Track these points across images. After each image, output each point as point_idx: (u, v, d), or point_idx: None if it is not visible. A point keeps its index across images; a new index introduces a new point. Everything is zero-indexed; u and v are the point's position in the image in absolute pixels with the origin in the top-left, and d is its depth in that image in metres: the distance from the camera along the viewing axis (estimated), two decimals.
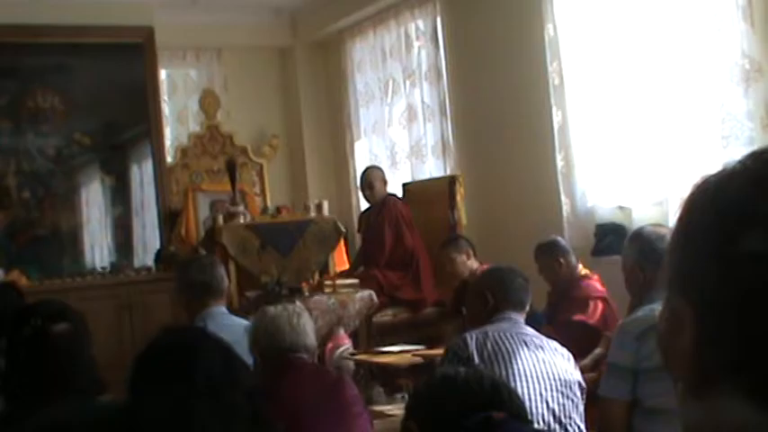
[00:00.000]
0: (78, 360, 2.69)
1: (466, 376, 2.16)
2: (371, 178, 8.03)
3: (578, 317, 5.55)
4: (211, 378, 1.99)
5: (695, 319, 0.87)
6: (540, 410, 3.59)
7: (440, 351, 5.52)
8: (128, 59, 8.88)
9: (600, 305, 5.60)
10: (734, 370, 0.84)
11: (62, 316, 2.74)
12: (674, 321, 0.90)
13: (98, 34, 8.70)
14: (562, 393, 3.67)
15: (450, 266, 6.65)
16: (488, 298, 3.93)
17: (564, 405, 3.65)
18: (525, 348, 3.70)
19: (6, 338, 2.74)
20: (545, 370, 3.67)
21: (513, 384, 3.54)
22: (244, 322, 4.48)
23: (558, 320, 5.53)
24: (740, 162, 0.89)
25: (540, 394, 3.62)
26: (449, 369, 2.25)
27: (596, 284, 5.74)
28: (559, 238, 6.07)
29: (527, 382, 3.61)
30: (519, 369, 3.62)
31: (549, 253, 5.86)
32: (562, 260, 5.81)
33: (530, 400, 3.56)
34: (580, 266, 5.87)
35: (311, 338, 3.73)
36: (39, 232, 8.54)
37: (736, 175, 0.88)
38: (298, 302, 4.41)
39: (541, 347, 3.76)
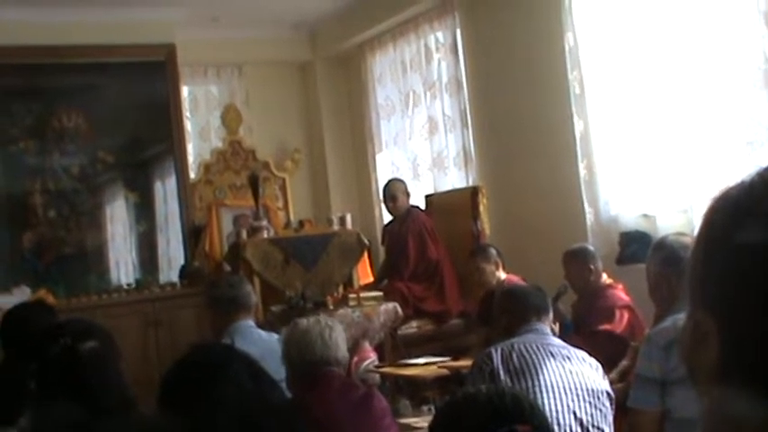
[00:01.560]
0: (107, 377, 2.71)
1: (487, 392, 2.17)
2: (394, 191, 8.03)
3: (605, 326, 5.53)
4: (240, 395, 2.00)
5: (720, 332, 0.87)
6: (568, 421, 3.58)
7: (465, 362, 5.53)
8: (150, 77, 8.94)
9: (626, 314, 5.58)
10: (756, 373, 0.84)
11: (90, 334, 2.75)
12: (699, 335, 0.90)
13: (120, 53, 8.76)
14: (590, 404, 3.66)
15: (478, 276, 6.64)
16: (510, 311, 3.94)
17: (592, 415, 3.63)
18: (552, 359, 3.68)
19: (36, 358, 2.76)
20: (573, 380, 3.66)
21: (540, 396, 3.54)
22: (273, 336, 4.52)
23: (585, 330, 5.52)
24: (759, 174, 0.89)
25: (568, 405, 3.60)
26: (469, 387, 2.26)
27: (621, 293, 5.72)
28: (589, 245, 6.05)
29: (554, 393, 3.59)
30: (546, 381, 3.60)
31: (579, 259, 5.83)
32: (592, 267, 5.78)
33: (558, 411, 3.55)
34: (604, 276, 5.85)
35: (343, 351, 3.72)
36: (65, 250, 8.60)
37: (755, 188, 0.88)
38: (323, 315, 4.40)
39: (569, 358, 3.75)
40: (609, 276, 5.95)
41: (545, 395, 3.55)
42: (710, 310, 0.88)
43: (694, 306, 0.91)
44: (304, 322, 3.78)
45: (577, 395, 3.64)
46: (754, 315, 0.84)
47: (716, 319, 0.88)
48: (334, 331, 3.72)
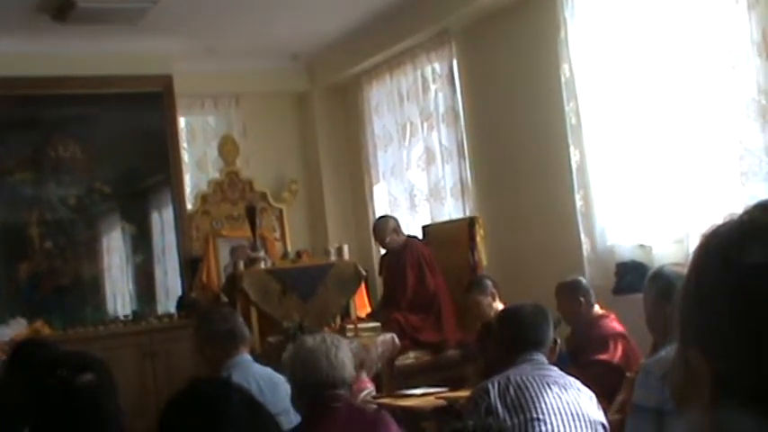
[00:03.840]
0: (104, 410, 2.70)
1: (473, 427, 2.18)
2: (381, 234, 7.98)
3: (600, 356, 5.55)
4: (238, 430, 2.00)
5: (711, 370, 0.88)
6: None
7: (463, 393, 5.52)
8: (147, 108, 8.98)
9: (620, 343, 5.61)
10: (762, 411, 0.84)
11: (87, 366, 2.74)
12: (691, 374, 0.90)
13: (117, 84, 8.80)
14: None
15: (476, 309, 6.65)
16: (506, 342, 3.92)
17: None
18: (549, 391, 3.67)
19: (32, 390, 2.75)
20: (571, 411, 3.65)
21: (541, 428, 3.53)
22: (268, 370, 4.50)
23: (580, 361, 5.51)
24: (747, 213, 0.90)
25: None
26: (457, 423, 2.26)
27: (614, 323, 5.76)
28: (581, 278, 6.07)
29: (553, 425, 3.59)
30: (545, 413, 3.59)
31: (567, 292, 5.87)
32: (582, 299, 5.82)
33: None
34: (597, 307, 5.87)
35: (349, 371, 3.63)
36: (61, 281, 8.60)
37: (744, 227, 0.89)
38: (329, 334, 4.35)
39: (565, 387, 3.74)
40: (603, 306, 5.97)
41: (544, 427, 3.54)
42: (702, 349, 0.89)
43: (684, 344, 0.92)
44: (310, 341, 3.71)
45: (577, 425, 3.63)
46: (746, 354, 0.85)
47: (707, 357, 0.88)
48: (341, 350, 3.65)
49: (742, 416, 0.85)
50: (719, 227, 0.91)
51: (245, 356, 4.65)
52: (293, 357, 3.70)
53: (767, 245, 0.85)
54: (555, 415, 3.60)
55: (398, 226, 8.08)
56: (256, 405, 2.13)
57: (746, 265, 0.86)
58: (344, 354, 3.66)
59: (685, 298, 0.93)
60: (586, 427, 3.65)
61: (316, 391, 3.56)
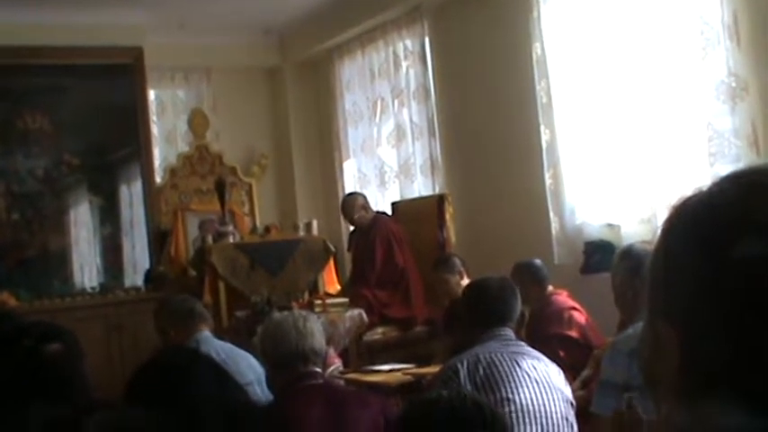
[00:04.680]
0: (72, 379, 2.69)
1: (449, 398, 2.17)
2: (349, 212, 8.01)
3: (555, 329, 5.59)
4: (205, 397, 2.00)
5: (681, 340, 0.88)
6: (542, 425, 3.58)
7: (430, 370, 5.54)
8: (117, 80, 8.90)
9: (573, 314, 5.65)
10: (731, 381, 0.85)
11: (54, 336, 2.73)
12: (658, 344, 0.90)
13: (87, 55, 8.72)
14: (564, 407, 3.66)
15: (443, 287, 6.65)
16: (472, 317, 3.92)
17: (560, 425, 3.63)
18: (518, 367, 3.66)
19: None
20: (543, 383, 3.65)
21: (510, 407, 3.53)
22: (231, 346, 4.53)
23: (538, 338, 5.53)
24: (716, 184, 0.90)
25: (540, 413, 3.59)
26: (431, 393, 2.26)
27: (565, 298, 5.80)
28: (536, 260, 6.07)
29: (524, 403, 3.59)
30: (514, 392, 3.58)
31: (525, 273, 5.87)
32: (537, 280, 5.86)
33: (527, 422, 3.55)
34: (550, 287, 5.90)
35: (319, 341, 3.61)
36: (28, 253, 8.53)
37: (714, 198, 0.89)
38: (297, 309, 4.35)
39: (536, 361, 3.75)
40: (571, 286, 6.01)
41: (513, 407, 3.55)
42: (670, 320, 0.89)
43: (653, 315, 0.92)
44: (278, 316, 3.73)
45: (548, 398, 3.63)
46: (715, 324, 0.85)
47: (676, 328, 0.88)
48: (309, 321, 3.64)
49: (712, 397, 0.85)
50: (689, 197, 0.92)
51: (207, 333, 4.69)
52: (263, 334, 3.69)
53: (742, 214, 0.86)
54: (526, 390, 3.60)
55: (367, 203, 8.08)
56: (223, 373, 2.13)
57: (714, 233, 0.86)
58: (313, 324, 3.65)
59: (654, 268, 0.93)
60: (557, 399, 3.65)
61: (289, 363, 3.53)
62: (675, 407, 0.90)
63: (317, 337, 3.61)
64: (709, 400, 0.85)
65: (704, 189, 0.91)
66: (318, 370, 3.59)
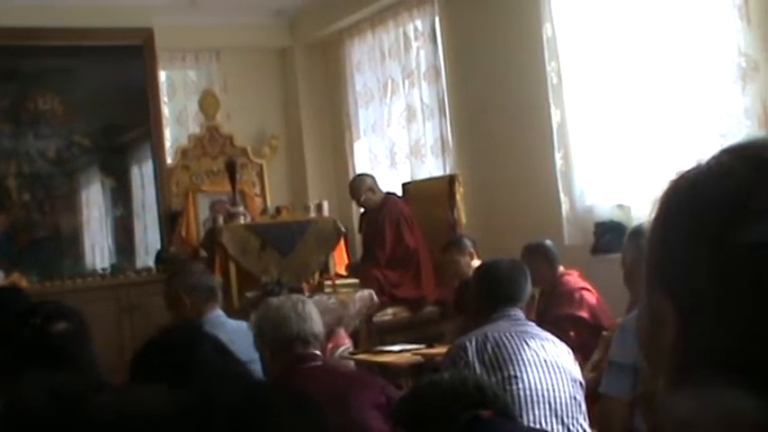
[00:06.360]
0: (79, 358, 2.69)
1: (451, 379, 2.18)
2: (356, 193, 7.99)
3: (566, 310, 5.59)
4: (209, 375, 2.01)
5: (679, 314, 0.88)
6: (543, 412, 3.58)
7: (440, 350, 5.54)
8: (127, 61, 8.90)
9: (584, 295, 5.64)
10: (731, 359, 0.84)
11: (61, 315, 2.73)
12: (655, 317, 0.90)
13: (98, 36, 8.72)
14: (572, 387, 3.66)
15: (453, 268, 6.65)
16: (482, 297, 3.93)
17: (568, 405, 3.63)
18: (527, 346, 3.66)
19: (5, 340, 2.73)
20: (550, 364, 3.64)
21: (518, 385, 3.54)
22: (241, 323, 4.50)
23: (548, 318, 5.53)
24: (715, 157, 0.90)
25: (547, 392, 3.59)
26: (433, 376, 2.27)
27: (576, 278, 5.79)
28: (546, 240, 6.05)
29: (532, 382, 3.59)
30: (522, 370, 3.58)
31: (535, 254, 5.86)
32: (548, 261, 5.84)
33: (534, 401, 3.55)
34: (561, 268, 5.89)
35: (318, 325, 3.62)
36: (39, 234, 8.56)
37: (712, 171, 0.89)
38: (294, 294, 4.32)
39: (544, 341, 3.75)
40: (581, 267, 5.99)
41: (521, 385, 3.55)
42: (668, 293, 0.89)
43: (651, 289, 0.92)
44: (275, 301, 3.72)
45: (555, 378, 3.63)
46: (711, 297, 0.85)
47: (673, 301, 0.88)
48: (307, 305, 3.65)
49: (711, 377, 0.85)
50: (687, 170, 0.91)
51: (219, 312, 4.66)
52: (261, 319, 3.68)
53: (742, 188, 0.85)
54: (533, 370, 3.60)
55: (375, 184, 8.07)
56: (227, 352, 2.13)
57: (712, 206, 0.86)
58: (311, 308, 3.65)
59: (652, 241, 0.93)
60: (565, 380, 3.65)
61: (290, 347, 3.53)
62: (674, 379, 0.90)
63: (316, 321, 3.62)
64: (705, 372, 0.85)
65: (702, 162, 0.91)
66: (318, 352, 3.60)
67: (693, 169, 0.91)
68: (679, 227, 0.89)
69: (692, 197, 0.89)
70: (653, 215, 0.94)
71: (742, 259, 0.83)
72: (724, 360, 0.84)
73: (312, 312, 3.63)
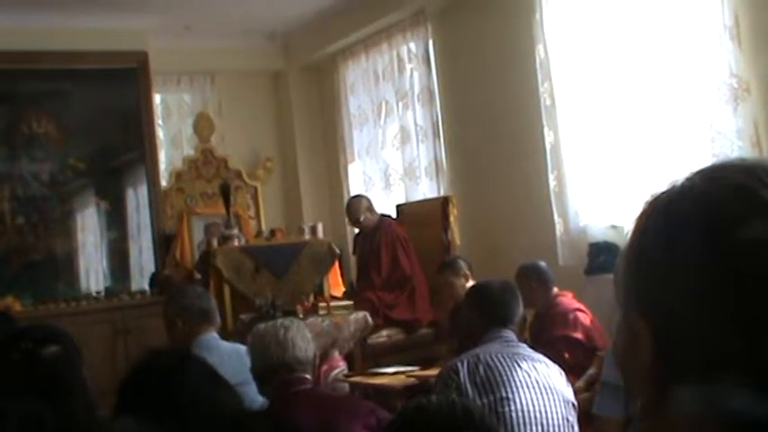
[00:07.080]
0: (70, 382, 2.68)
1: (438, 403, 2.18)
2: (354, 213, 7.97)
3: (560, 331, 5.60)
4: (196, 400, 2.00)
5: (652, 334, 0.89)
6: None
7: (434, 372, 5.53)
8: (122, 85, 8.92)
9: (578, 316, 5.65)
10: (705, 377, 0.85)
11: (52, 339, 2.72)
12: (633, 338, 0.91)
13: (92, 60, 8.74)
14: (565, 408, 3.65)
15: (448, 290, 6.64)
16: (474, 318, 3.93)
17: (561, 426, 3.62)
18: (519, 368, 3.66)
19: None
20: (542, 385, 3.64)
21: (509, 408, 3.53)
22: (236, 345, 4.49)
23: (543, 340, 5.53)
24: (688, 180, 0.91)
25: (539, 414, 3.59)
26: (421, 399, 2.26)
27: (570, 299, 5.81)
28: (540, 262, 6.06)
29: (523, 404, 3.58)
30: (514, 392, 3.58)
31: (529, 276, 5.87)
32: (541, 282, 5.85)
33: (527, 423, 3.54)
34: (555, 289, 5.90)
35: (302, 350, 3.56)
36: (33, 257, 8.54)
37: (685, 192, 0.90)
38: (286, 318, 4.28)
39: (536, 363, 3.75)
40: (576, 287, 6.00)
41: (513, 407, 3.54)
42: (642, 313, 0.90)
43: (627, 309, 0.93)
44: (261, 327, 3.68)
45: (547, 400, 3.63)
46: (684, 316, 0.86)
47: (648, 320, 0.89)
48: (290, 330, 3.59)
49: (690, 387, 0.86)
50: (661, 192, 0.92)
51: (213, 335, 4.64)
52: (250, 345, 3.67)
53: (712, 210, 0.86)
54: (525, 392, 3.59)
55: (371, 205, 8.08)
56: (215, 375, 2.13)
57: (684, 227, 0.86)
58: (295, 333, 3.59)
59: (627, 262, 0.94)
60: (557, 401, 3.64)
61: (273, 376, 3.51)
62: (650, 398, 0.90)
63: (300, 346, 3.56)
64: (680, 389, 0.86)
65: (676, 183, 0.92)
66: (307, 376, 3.56)
67: (668, 191, 0.92)
68: (653, 248, 0.90)
69: (667, 218, 0.90)
70: (629, 236, 0.95)
71: (714, 280, 0.84)
72: (698, 379, 0.85)
73: (296, 338, 3.57)
